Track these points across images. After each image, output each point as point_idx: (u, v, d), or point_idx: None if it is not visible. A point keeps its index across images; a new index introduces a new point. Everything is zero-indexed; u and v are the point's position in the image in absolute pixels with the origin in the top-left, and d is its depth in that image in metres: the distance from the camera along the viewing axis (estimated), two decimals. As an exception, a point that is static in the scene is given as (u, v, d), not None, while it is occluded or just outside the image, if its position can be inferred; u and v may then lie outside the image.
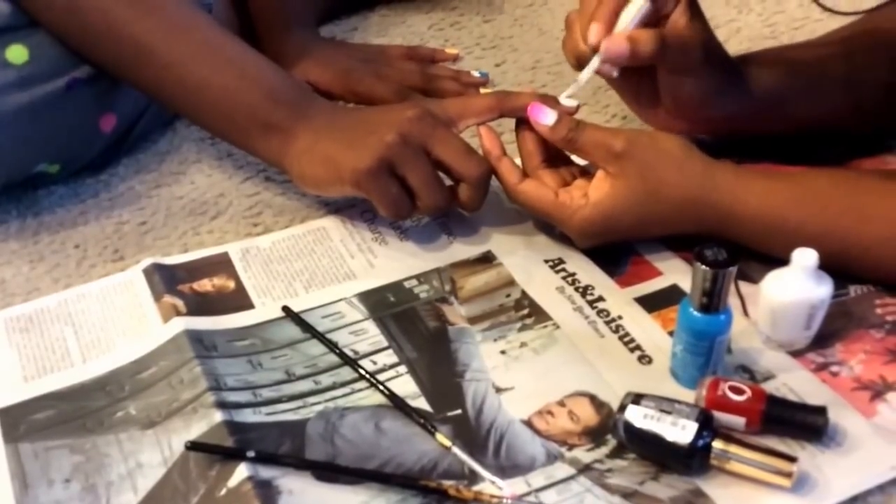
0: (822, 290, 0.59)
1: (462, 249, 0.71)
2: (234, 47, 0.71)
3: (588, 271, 0.69)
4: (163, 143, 0.84)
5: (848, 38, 0.77)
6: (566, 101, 0.69)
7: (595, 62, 0.67)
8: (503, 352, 0.63)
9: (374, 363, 0.62)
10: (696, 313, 0.57)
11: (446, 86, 0.90)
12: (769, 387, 0.58)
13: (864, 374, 0.60)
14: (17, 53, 0.71)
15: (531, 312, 0.66)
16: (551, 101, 0.69)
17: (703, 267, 0.55)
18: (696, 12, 0.68)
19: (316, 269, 0.70)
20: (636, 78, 0.71)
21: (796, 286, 0.58)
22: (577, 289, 0.67)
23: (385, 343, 0.64)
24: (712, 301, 0.56)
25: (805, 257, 0.58)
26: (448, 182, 0.69)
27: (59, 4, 0.69)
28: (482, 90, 0.90)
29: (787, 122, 0.75)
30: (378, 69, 0.90)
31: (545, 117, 0.67)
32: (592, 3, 0.67)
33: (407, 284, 0.68)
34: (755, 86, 0.72)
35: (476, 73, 0.92)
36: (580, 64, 0.69)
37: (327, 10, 1.03)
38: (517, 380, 0.61)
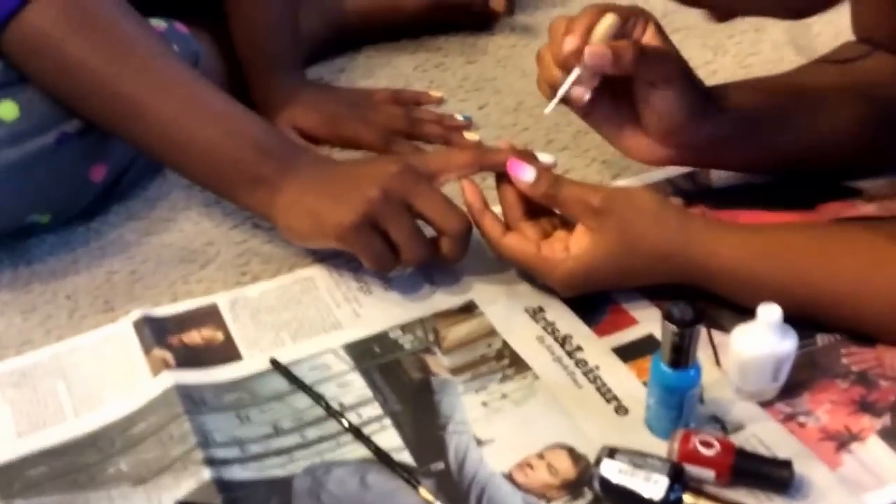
0: (787, 343, 0.61)
1: (445, 299, 0.73)
2: (221, 102, 0.73)
3: (567, 320, 0.71)
4: (153, 189, 0.86)
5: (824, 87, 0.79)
6: (544, 157, 0.71)
7: (574, 73, 0.70)
8: (484, 403, 0.65)
9: (360, 416, 0.64)
10: (666, 369, 0.59)
11: (430, 130, 0.92)
12: (739, 438, 0.61)
13: (830, 425, 0.62)
14: (7, 110, 0.73)
15: (511, 363, 0.68)
16: (529, 156, 0.71)
17: (671, 325, 0.57)
18: (664, 37, 0.71)
19: (303, 319, 0.72)
20: (612, 102, 0.73)
21: (762, 340, 0.61)
22: (556, 338, 0.69)
23: (370, 395, 0.65)
24: (681, 357, 0.58)
25: (769, 313, 0.60)
26: (431, 232, 0.71)
27: (48, 63, 0.71)
28: (466, 133, 0.93)
29: (764, 148, 0.77)
30: (364, 114, 0.92)
31: (525, 174, 0.69)
32: (560, 33, 0.70)
33: (392, 335, 0.70)
34: (732, 105, 0.75)
35: (459, 117, 0.95)
36: (555, 92, 0.72)
37: (315, 52, 1.05)
38: (498, 432, 0.63)
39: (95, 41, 0.70)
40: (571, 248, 0.68)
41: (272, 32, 0.93)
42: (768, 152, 0.78)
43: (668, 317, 0.57)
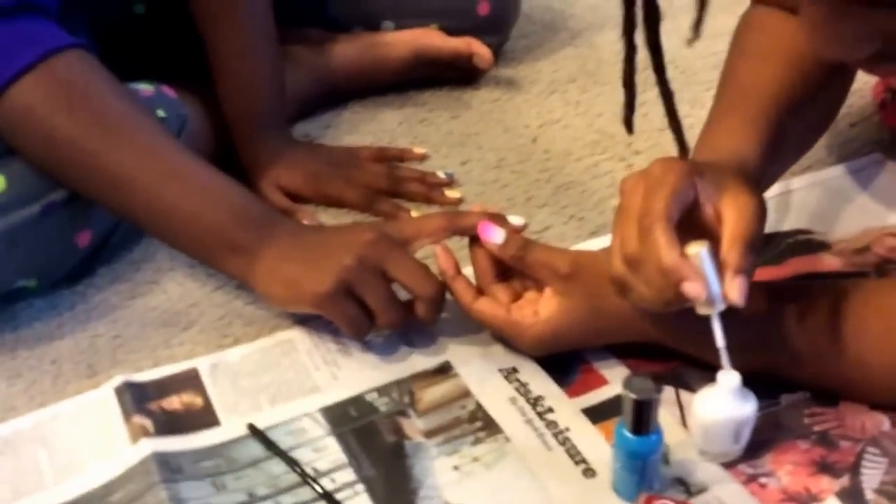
0: (747, 408, 0.63)
1: (421, 360, 0.75)
2: (204, 172, 0.75)
3: (540, 381, 0.72)
4: (137, 251, 0.88)
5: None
6: (514, 220, 0.73)
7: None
8: (456, 467, 0.66)
9: (334, 481, 0.65)
10: (628, 435, 0.61)
11: (413, 188, 0.94)
12: (702, 500, 0.62)
13: (791, 486, 0.63)
14: (-5, 181, 0.75)
15: (484, 425, 0.69)
16: (500, 219, 0.73)
17: (631, 396, 0.59)
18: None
19: (282, 382, 0.73)
20: None
21: (722, 405, 0.63)
22: (528, 400, 0.71)
23: (345, 460, 0.67)
24: (642, 425, 0.60)
25: (729, 379, 0.62)
26: (406, 295, 0.73)
27: (35, 138, 0.74)
28: (447, 191, 0.94)
29: None
30: (347, 173, 0.95)
31: (494, 236, 0.71)
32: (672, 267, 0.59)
33: (368, 398, 0.72)
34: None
35: (442, 174, 0.96)
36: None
37: (301, 109, 1.07)
38: (468, 496, 0.64)
39: (82, 118, 0.73)
40: (541, 311, 0.69)
41: (258, 92, 0.95)
42: None
43: (627, 388, 0.59)
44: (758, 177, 0.70)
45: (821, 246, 0.85)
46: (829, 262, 0.82)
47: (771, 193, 0.84)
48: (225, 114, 0.95)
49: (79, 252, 0.82)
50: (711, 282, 0.60)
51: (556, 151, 1.01)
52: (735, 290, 0.60)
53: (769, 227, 0.85)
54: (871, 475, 0.64)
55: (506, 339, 0.73)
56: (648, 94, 0.69)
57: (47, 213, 0.77)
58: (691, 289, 0.59)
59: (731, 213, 0.62)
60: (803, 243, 0.85)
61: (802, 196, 0.90)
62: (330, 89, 1.10)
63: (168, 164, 0.74)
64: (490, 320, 0.71)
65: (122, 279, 0.85)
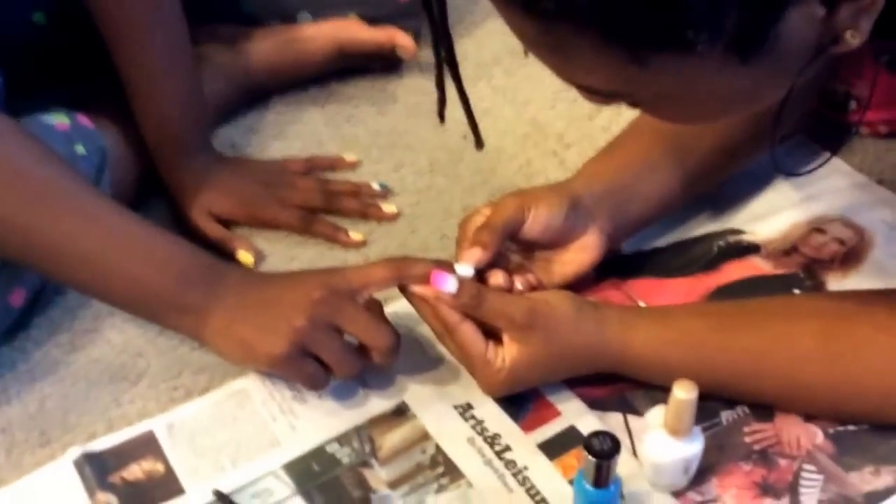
0: (695, 446, 0.67)
1: (378, 403, 0.76)
2: (142, 232, 0.73)
3: (494, 417, 0.74)
4: (72, 296, 0.85)
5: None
6: (462, 270, 0.73)
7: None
8: (423, 519, 0.69)
9: (304, 544, 0.67)
10: (589, 487, 0.64)
11: (348, 205, 0.93)
12: (657, 535, 0.66)
13: (737, 511, 0.68)
14: (-80, 255, 0.72)
15: (446, 470, 0.71)
16: (447, 266, 0.73)
17: (591, 458, 0.62)
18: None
19: (241, 438, 0.74)
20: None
21: (671, 447, 0.66)
22: (485, 439, 0.73)
23: (313, 520, 0.69)
24: (602, 480, 0.63)
25: None
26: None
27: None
28: (383, 205, 0.94)
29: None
30: (280, 193, 0.93)
31: (448, 285, 0.71)
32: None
33: (329, 449, 0.73)
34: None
35: (376, 185, 0.96)
36: None
37: (222, 113, 1.04)
38: (438, 550, 0.67)
39: (8, 197, 0.69)
40: (506, 357, 0.71)
41: (177, 116, 0.91)
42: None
43: (588, 448, 0.62)
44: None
45: (750, 248, 0.88)
46: (761, 266, 0.86)
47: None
48: (145, 140, 0.91)
49: (13, 312, 0.80)
50: None
51: (488, 148, 1.00)
52: (464, 256, 0.72)
53: (699, 227, 0.90)
54: (809, 494, 0.69)
55: (469, 371, 0.73)
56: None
57: (-23, 283, 0.75)
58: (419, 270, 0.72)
59: (509, 203, 0.76)
60: (734, 246, 0.88)
61: (728, 187, 0.92)
62: (249, 90, 1.06)
63: (104, 227, 0.72)
64: (468, 349, 0.71)
65: (60, 329, 0.83)
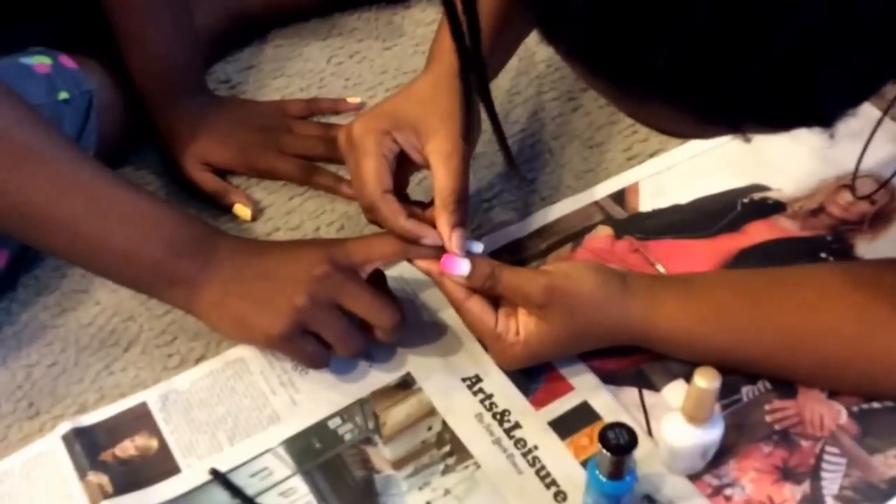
0: (715, 432, 0.64)
1: (381, 376, 0.72)
2: (129, 200, 0.68)
3: (504, 392, 0.71)
4: (60, 253, 0.81)
5: None
6: (474, 247, 0.68)
7: None
8: (428, 502, 0.66)
9: (305, 527, 0.65)
10: (603, 479, 0.61)
11: (350, 155, 0.87)
12: (670, 518, 0.64)
13: (755, 495, 0.65)
14: None
15: (452, 449, 0.68)
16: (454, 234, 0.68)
17: (607, 453, 0.58)
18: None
19: (238, 412, 0.71)
20: None
21: (689, 433, 0.63)
22: (494, 415, 0.70)
23: (314, 502, 0.66)
24: (617, 473, 0.60)
25: None
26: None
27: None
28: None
29: None
30: (279, 140, 0.87)
31: (460, 269, 0.67)
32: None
33: (331, 425, 0.70)
34: None
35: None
36: None
37: (218, 49, 0.98)
38: (444, 535, 0.64)
39: None
40: (521, 332, 0.68)
41: (169, 54, 0.85)
42: None
43: (603, 441, 0.58)
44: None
45: (776, 206, 0.83)
46: (786, 227, 0.81)
47: (725, 139, 0.82)
48: (135, 84, 0.85)
49: (-2, 273, 0.76)
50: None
51: (495, 84, 0.95)
52: (454, 242, 0.67)
53: (723, 183, 0.84)
54: (831, 479, 0.66)
55: (481, 344, 0.71)
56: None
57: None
58: (428, 243, 0.68)
59: (438, 167, 0.68)
60: (758, 204, 0.83)
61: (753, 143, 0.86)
62: (246, 23, 1.00)
63: (90, 193, 0.66)
64: (476, 324, 0.68)
65: (47, 289, 0.79)
